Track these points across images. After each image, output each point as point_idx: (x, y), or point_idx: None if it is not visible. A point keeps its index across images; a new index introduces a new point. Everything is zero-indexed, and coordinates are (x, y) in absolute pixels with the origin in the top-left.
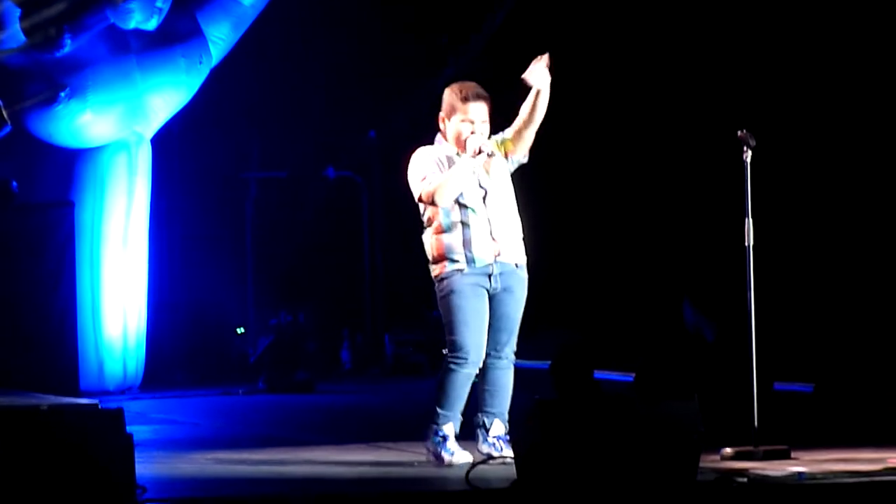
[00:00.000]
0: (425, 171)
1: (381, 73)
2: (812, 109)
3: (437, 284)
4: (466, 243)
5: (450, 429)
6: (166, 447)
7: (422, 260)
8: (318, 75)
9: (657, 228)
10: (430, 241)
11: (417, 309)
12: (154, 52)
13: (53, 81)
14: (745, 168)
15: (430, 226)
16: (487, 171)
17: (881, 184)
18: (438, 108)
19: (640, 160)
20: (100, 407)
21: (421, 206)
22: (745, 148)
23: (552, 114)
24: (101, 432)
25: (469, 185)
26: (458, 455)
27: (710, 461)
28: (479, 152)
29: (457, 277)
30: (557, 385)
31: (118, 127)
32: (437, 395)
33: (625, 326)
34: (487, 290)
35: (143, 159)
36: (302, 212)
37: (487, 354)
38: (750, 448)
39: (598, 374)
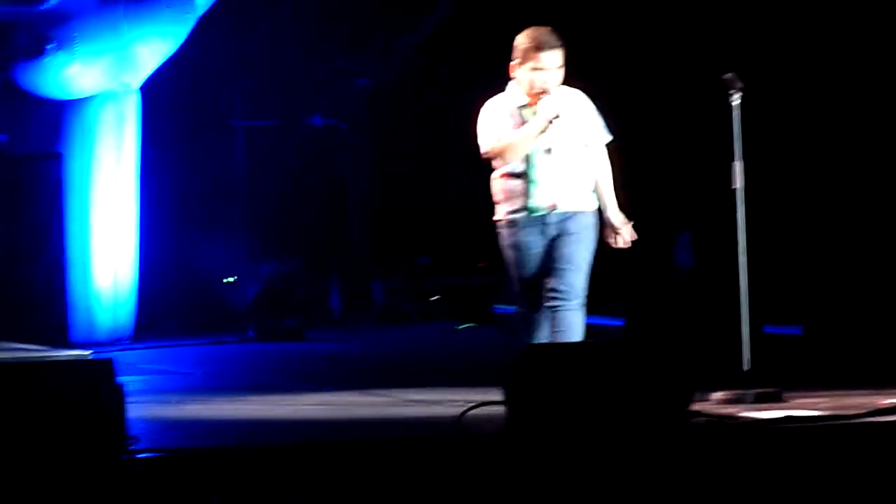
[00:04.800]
0: (496, 128)
1: (368, 18)
2: (801, 50)
3: (497, 230)
4: (527, 192)
5: None
6: (157, 397)
7: (410, 207)
8: (303, 22)
9: (647, 172)
10: (494, 183)
11: (406, 257)
12: (141, 2)
13: (40, 34)
14: (732, 111)
15: (494, 168)
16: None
17: (871, 123)
18: (428, 54)
19: (629, 103)
20: (90, 357)
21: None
22: (732, 91)
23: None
24: (92, 383)
25: (535, 142)
26: None
27: (701, 405)
28: (552, 119)
29: (513, 229)
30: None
31: (106, 78)
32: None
33: (615, 270)
34: (544, 238)
35: (132, 110)
36: (289, 160)
37: (554, 297)
38: (741, 391)
39: (589, 317)
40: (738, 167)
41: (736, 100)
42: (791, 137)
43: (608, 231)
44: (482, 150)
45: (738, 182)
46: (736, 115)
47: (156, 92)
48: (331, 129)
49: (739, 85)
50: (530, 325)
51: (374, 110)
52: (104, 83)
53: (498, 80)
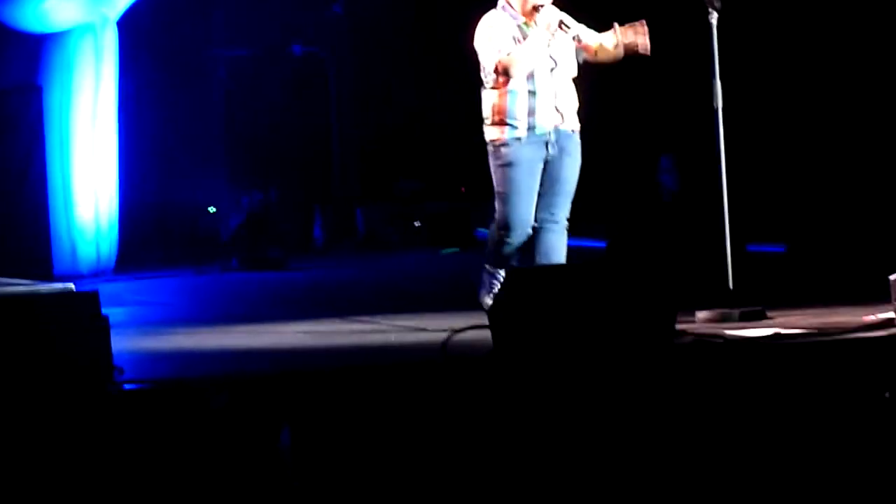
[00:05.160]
0: (500, 42)
1: None
2: None
3: (493, 149)
4: (531, 111)
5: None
6: (142, 328)
7: (392, 134)
8: None
9: (630, 95)
10: (491, 100)
11: (388, 183)
12: None
13: None
14: (710, 30)
15: (493, 87)
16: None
17: (853, 42)
18: None
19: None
20: (74, 290)
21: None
22: (710, 9)
23: None
24: (76, 315)
25: (539, 56)
26: None
27: (686, 324)
28: (554, 29)
29: (516, 147)
30: None
31: (84, 10)
32: (491, 257)
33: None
34: (545, 159)
35: (110, 42)
36: (270, 89)
37: (543, 219)
38: (726, 310)
39: (572, 240)
40: (716, 86)
41: (714, 19)
42: (772, 55)
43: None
44: (489, 66)
45: (718, 101)
46: (713, 34)
47: (134, 24)
48: (311, 58)
49: (717, 4)
50: (513, 247)
51: (354, 37)
52: (82, 16)
53: (482, 1)
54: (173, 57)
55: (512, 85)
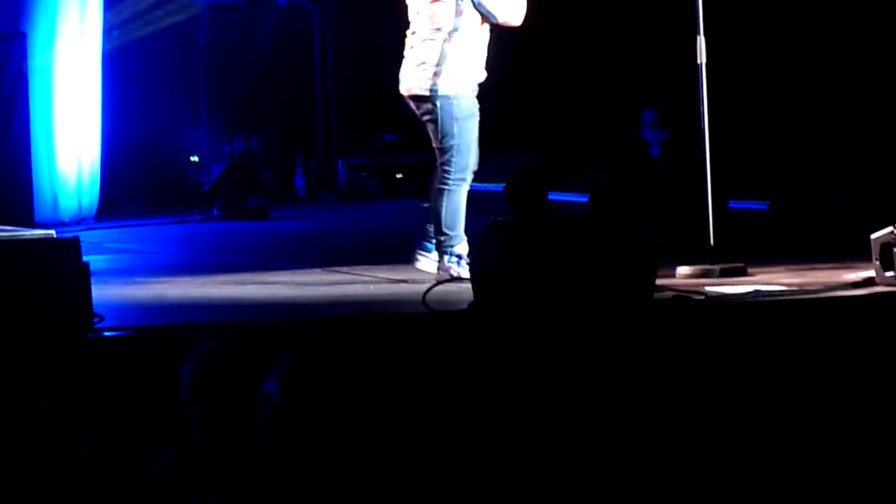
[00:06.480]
0: None
1: None
2: None
3: (441, 99)
4: (476, 64)
5: (463, 247)
6: (122, 275)
7: (375, 84)
8: None
9: (612, 47)
10: (439, 51)
11: (369, 134)
12: None
13: None
14: None
15: (442, 38)
16: None
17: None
18: None
19: None
20: (55, 237)
21: (433, 9)
22: None
23: None
24: (57, 261)
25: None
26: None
27: (666, 280)
28: None
29: (465, 99)
30: (514, 206)
31: None
32: (445, 218)
33: (580, 146)
34: None
35: None
36: (254, 39)
37: (471, 172)
38: (706, 266)
39: (554, 194)
40: (700, 42)
41: None
42: (757, 11)
43: None
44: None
45: (701, 57)
46: None
47: None
48: (295, 6)
49: None
50: (463, 198)
51: None
52: None
53: None
54: (157, 5)
55: (466, 36)
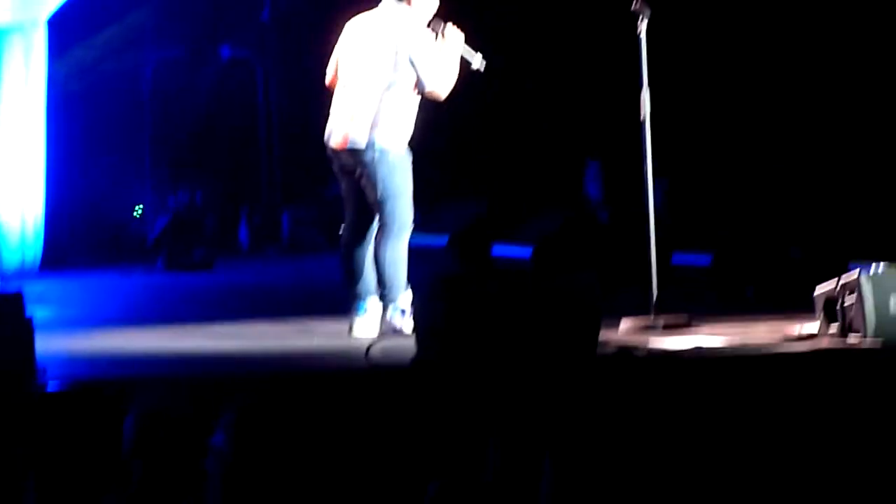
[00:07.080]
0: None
1: None
2: None
3: (379, 152)
4: (409, 122)
5: (406, 298)
6: (66, 328)
7: (319, 137)
8: None
9: (557, 101)
10: (376, 104)
11: (314, 187)
12: None
13: None
14: (640, 40)
15: (380, 92)
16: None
17: (784, 51)
18: None
19: (538, 32)
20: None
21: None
22: (640, 18)
23: None
24: (0, 317)
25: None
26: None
27: (609, 335)
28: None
29: (404, 155)
30: (458, 259)
31: (13, 10)
32: (388, 270)
33: (524, 195)
34: None
35: (40, 42)
36: (198, 91)
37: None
38: (649, 320)
39: (498, 246)
40: (645, 96)
41: (643, 28)
42: (699, 65)
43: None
44: (442, 89)
45: (645, 111)
46: (642, 44)
47: (64, 24)
48: (239, 61)
49: (647, 11)
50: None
51: (283, 43)
52: (12, 15)
53: None
54: (102, 57)
55: (410, 97)
